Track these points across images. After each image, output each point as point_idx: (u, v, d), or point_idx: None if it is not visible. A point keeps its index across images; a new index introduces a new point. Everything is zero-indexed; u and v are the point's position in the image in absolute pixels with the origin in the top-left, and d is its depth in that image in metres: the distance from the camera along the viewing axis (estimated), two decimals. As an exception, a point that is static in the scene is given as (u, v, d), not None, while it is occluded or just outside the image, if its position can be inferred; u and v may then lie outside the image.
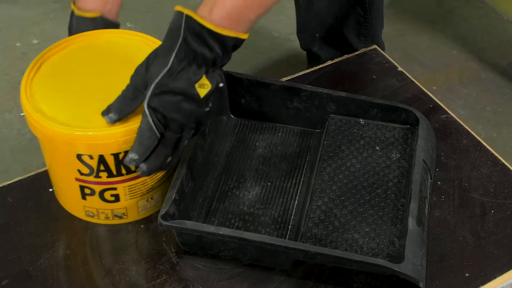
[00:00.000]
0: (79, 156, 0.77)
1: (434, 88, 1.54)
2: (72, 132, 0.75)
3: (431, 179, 0.89)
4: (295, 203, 0.88)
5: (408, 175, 0.87)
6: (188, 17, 0.71)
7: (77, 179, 0.80)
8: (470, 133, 0.98)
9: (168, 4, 1.40)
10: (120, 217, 0.84)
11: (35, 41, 1.27)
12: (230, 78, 0.94)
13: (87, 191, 0.81)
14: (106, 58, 0.85)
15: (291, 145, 0.95)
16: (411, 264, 0.74)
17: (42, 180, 0.91)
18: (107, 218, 0.85)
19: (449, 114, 1.01)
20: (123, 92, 0.75)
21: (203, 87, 0.73)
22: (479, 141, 0.97)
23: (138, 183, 0.81)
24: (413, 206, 0.80)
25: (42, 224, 0.86)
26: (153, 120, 0.72)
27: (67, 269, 0.81)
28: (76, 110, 0.78)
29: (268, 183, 0.90)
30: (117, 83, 0.77)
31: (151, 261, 0.82)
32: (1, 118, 1.11)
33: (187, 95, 0.73)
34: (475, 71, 1.60)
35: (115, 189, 0.81)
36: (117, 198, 0.82)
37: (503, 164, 0.94)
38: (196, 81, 0.72)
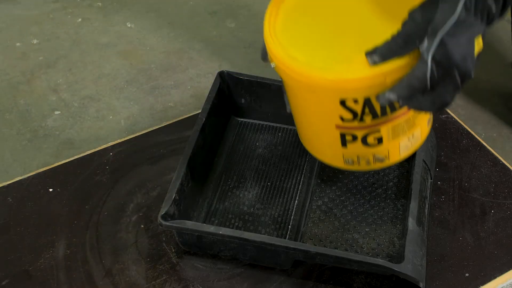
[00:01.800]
0: (342, 102, 0.70)
1: (434, 88, 1.54)
2: (338, 76, 0.67)
3: (431, 179, 0.89)
4: (295, 203, 0.88)
5: (408, 175, 0.87)
6: None
7: (338, 127, 0.74)
8: (470, 133, 0.98)
9: (168, 4, 1.40)
10: (382, 160, 0.78)
11: (35, 41, 1.27)
12: (230, 78, 0.94)
13: (348, 138, 0.75)
14: None
15: (291, 145, 0.96)
16: (411, 264, 0.74)
17: (42, 180, 0.91)
18: (368, 163, 0.78)
19: (449, 114, 1.01)
20: (393, 37, 0.67)
21: (478, 46, 0.66)
22: (479, 141, 0.97)
23: (402, 122, 0.75)
24: (413, 206, 0.80)
25: (42, 224, 0.86)
26: (431, 74, 0.65)
27: (67, 269, 0.81)
28: (331, 51, 0.69)
29: (268, 183, 0.90)
30: (371, 17, 0.71)
31: (151, 261, 0.82)
32: (1, 118, 1.11)
33: (466, 51, 0.65)
34: (475, 71, 1.60)
35: (378, 131, 0.74)
36: (380, 141, 0.75)
37: (503, 164, 0.94)
38: (475, 37, 0.65)
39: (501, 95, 1.45)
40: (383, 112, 0.72)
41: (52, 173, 0.93)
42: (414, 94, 0.67)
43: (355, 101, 0.70)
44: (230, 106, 0.97)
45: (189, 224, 0.78)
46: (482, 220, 0.86)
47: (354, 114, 0.72)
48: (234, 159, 0.94)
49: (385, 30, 0.69)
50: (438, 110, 0.70)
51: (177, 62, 1.23)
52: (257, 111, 0.97)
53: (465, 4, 0.64)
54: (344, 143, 0.76)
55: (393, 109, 0.73)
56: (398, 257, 0.78)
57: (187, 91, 1.16)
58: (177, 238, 0.81)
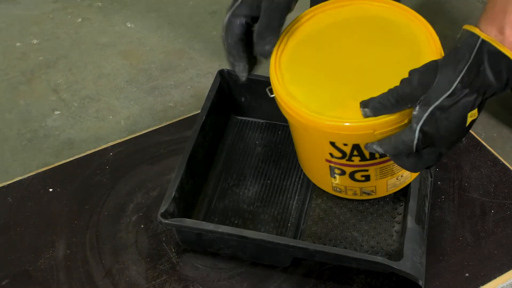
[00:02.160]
0: (332, 143, 0.74)
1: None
2: (328, 122, 0.70)
3: (431, 177, 0.89)
4: (295, 201, 0.88)
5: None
6: (484, 42, 0.64)
7: (327, 160, 0.78)
8: (470, 133, 0.98)
9: (168, 4, 1.40)
10: (368, 194, 0.83)
11: (35, 41, 1.27)
12: (231, 77, 0.94)
13: (337, 171, 0.79)
14: (358, 31, 0.77)
15: (291, 143, 0.95)
16: (410, 262, 0.74)
17: (42, 180, 0.91)
18: (355, 194, 0.83)
19: (449, 114, 1.01)
20: (388, 93, 0.68)
21: (472, 116, 0.66)
22: (479, 141, 0.97)
23: (390, 164, 0.78)
24: (412, 204, 0.80)
25: (42, 224, 0.86)
26: (417, 142, 0.67)
27: (67, 269, 0.81)
28: (329, 94, 0.72)
29: (268, 181, 0.91)
30: (374, 62, 0.73)
31: (151, 261, 0.82)
32: (1, 118, 1.11)
33: (458, 123, 0.66)
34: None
35: (366, 170, 0.78)
36: (367, 178, 0.80)
37: (503, 164, 0.94)
38: (470, 111, 0.65)
39: (501, 95, 1.45)
40: (372, 157, 0.76)
41: (52, 173, 0.93)
42: (399, 154, 0.69)
43: (345, 144, 0.74)
44: (230, 104, 0.97)
45: (189, 222, 0.78)
46: (482, 220, 0.86)
47: (343, 154, 0.75)
48: (234, 157, 0.94)
49: (386, 78, 0.71)
50: (420, 171, 0.71)
51: (177, 62, 1.23)
52: (257, 109, 0.97)
53: (461, 80, 0.64)
54: (333, 175, 0.80)
55: (382, 155, 0.75)
56: (397, 255, 0.78)
57: (187, 91, 1.16)
58: (176, 236, 0.81)
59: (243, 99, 0.97)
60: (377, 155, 0.75)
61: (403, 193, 0.86)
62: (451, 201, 0.89)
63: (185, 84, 1.18)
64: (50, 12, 1.37)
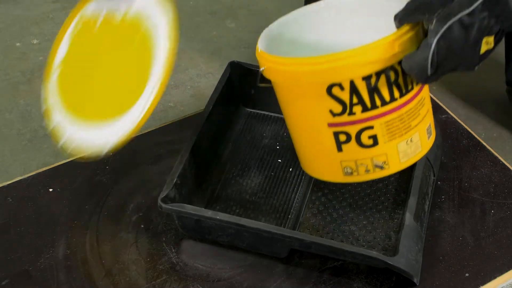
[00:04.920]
0: (329, 90, 0.72)
1: (434, 88, 1.54)
2: (322, 59, 0.71)
3: (433, 176, 0.89)
4: (297, 194, 0.88)
5: (410, 170, 0.87)
6: None
7: (329, 125, 0.75)
8: (470, 133, 0.98)
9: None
10: (382, 167, 0.78)
11: (35, 41, 1.27)
12: (241, 69, 0.95)
13: (342, 138, 0.76)
14: None
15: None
16: (405, 258, 0.74)
17: (42, 180, 0.91)
18: (367, 171, 0.78)
19: (449, 114, 1.01)
20: (409, 1, 0.69)
21: (487, 44, 0.67)
22: (479, 141, 0.97)
23: (395, 118, 0.75)
24: (412, 201, 0.80)
25: (42, 224, 0.86)
26: (432, 58, 0.67)
27: (67, 269, 0.81)
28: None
29: (272, 173, 0.91)
30: None
31: (151, 261, 0.82)
32: (1, 118, 1.11)
33: (472, 44, 0.67)
34: (475, 71, 1.60)
35: (371, 127, 0.75)
36: (375, 140, 0.76)
37: (503, 164, 0.94)
38: (485, 36, 0.66)
39: (501, 95, 1.45)
40: (373, 103, 0.73)
41: (52, 173, 0.93)
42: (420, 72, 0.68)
43: (341, 88, 0.72)
44: (240, 95, 0.98)
45: (188, 208, 0.78)
46: (482, 220, 0.86)
47: (343, 105, 0.73)
48: (240, 148, 0.95)
49: None
50: (428, 83, 0.72)
51: (177, 62, 1.23)
52: (266, 102, 0.98)
53: (483, 2, 0.65)
54: (339, 146, 0.77)
55: (383, 102, 0.73)
56: (393, 251, 0.78)
57: (187, 91, 1.16)
58: (177, 222, 0.82)
59: (252, 91, 0.97)
60: (378, 102, 0.74)
61: (404, 190, 0.86)
62: (451, 201, 0.89)
63: (185, 84, 1.18)
64: (50, 12, 1.37)
